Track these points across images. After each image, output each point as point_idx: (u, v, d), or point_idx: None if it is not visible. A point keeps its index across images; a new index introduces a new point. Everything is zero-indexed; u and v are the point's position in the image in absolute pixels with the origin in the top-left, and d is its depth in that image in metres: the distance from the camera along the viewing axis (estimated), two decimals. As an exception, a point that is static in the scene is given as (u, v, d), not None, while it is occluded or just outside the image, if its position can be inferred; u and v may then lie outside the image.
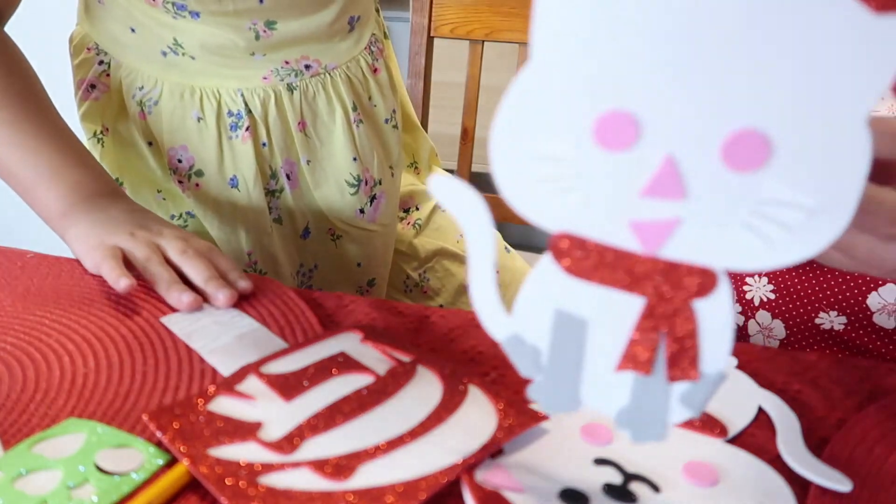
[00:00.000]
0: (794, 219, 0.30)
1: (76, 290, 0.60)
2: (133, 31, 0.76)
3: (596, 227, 0.33)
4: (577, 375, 0.35)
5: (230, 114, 0.78)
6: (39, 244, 0.74)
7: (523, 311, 0.35)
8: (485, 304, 0.36)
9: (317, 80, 0.80)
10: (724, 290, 0.32)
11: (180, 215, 0.83)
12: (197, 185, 0.81)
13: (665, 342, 0.33)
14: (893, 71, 0.27)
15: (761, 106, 0.28)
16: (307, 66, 0.79)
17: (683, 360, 0.33)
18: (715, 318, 0.32)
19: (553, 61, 0.30)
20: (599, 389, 0.35)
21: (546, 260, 0.34)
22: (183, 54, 0.75)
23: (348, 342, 0.53)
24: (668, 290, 0.32)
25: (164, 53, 0.76)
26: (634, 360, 0.34)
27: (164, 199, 0.83)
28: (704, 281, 0.32)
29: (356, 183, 0.84)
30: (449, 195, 0.35)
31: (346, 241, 0.88)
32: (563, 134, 0.31)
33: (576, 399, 0.36)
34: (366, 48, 0.84)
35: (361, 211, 0.86)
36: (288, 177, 0.82)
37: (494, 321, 0.36)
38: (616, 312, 0.33)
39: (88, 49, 0.80)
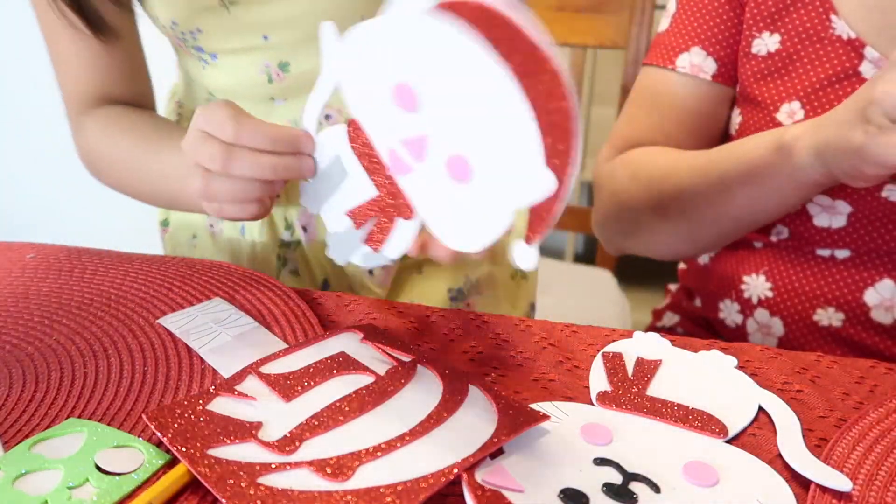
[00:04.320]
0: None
1: (76, 291, 0.60)
2: (189, 84, 0.81)
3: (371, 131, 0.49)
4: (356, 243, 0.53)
5: None
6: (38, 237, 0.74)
7: (323, 138, 0.52)
8: (310, 118, 0.52)
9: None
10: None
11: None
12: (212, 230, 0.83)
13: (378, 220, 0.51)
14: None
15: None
16: (327, 117, 0.78)
17: (378, 237, 0.51)
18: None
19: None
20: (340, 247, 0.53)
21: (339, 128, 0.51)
22: None
23: (348, 342, 0.53)
24: (391, 195, 0.49)
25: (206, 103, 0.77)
26: (356, 220, 0.52)
27: (196, 242, 0.85)
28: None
29: None
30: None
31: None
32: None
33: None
34: None
35: (370, 272, 0.82)
36: (304, 228, 0.80)
37: (309, 124, 0.53)
38: (361, 187, 0.51)
39: (177, 102, 0.85)
